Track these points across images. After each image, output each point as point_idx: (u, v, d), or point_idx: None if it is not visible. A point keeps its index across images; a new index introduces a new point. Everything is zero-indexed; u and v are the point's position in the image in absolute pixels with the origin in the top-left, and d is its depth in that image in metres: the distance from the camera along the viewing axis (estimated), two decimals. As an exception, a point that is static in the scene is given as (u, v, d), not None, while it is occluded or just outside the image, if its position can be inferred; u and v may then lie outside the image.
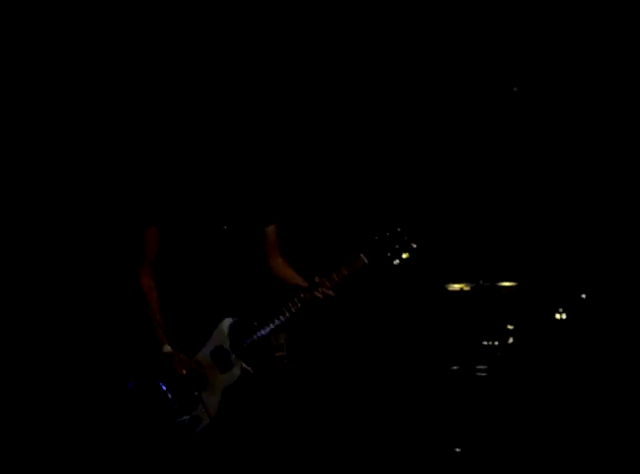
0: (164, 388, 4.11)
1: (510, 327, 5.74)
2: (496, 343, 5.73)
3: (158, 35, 5.58)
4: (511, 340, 5.73)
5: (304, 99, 5.99)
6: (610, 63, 5.97)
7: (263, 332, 4.15)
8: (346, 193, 6.07)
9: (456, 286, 5.85)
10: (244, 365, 4.15)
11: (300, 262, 4.44)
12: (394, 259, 4.03)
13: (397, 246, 4.02)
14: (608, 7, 5.91)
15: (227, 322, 4.17)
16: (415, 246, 4.02)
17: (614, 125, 6.04)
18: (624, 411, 5.37)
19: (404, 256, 4.01)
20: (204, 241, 4.18)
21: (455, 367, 5.76)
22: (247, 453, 4.17)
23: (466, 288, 5.83)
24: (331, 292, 4.03)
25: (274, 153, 5.71)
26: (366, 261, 4.02)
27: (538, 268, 5.98)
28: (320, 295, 4.04)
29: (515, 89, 5.96)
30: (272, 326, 4.14)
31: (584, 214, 6.08)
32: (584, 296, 5.75)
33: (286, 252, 4.37)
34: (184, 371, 4.06)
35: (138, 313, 4.22)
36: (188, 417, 4.08)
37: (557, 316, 5.74)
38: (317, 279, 4.06)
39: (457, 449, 5.48)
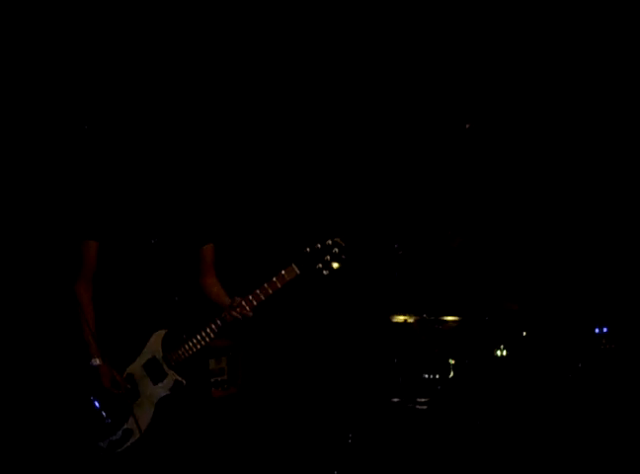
0: (96, 404, 4.10)
1: (451, 361, 5.79)
2: (437, 376, 5.76)
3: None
4: (452, 374, 5.77)
5: (239, 116, 6.03)
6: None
7: (192, 346, 4.17)
8: (282, 207, 6.11)
9: (400, 318, 5.89)
10: (176, 377, 4.15)
11: (233, 275, 4.47)
12: (324, 269, 4.08)
13: (328, 257, 4.07)
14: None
15: (160, 334, 4.18)
16: (344, 257, 4.09)
17: (579, 162, 6.20)
18: (562, 446, 5.41)
19: (334, 266, 4.08)
20: (142, 256, 4.19)
21: (396, 399, 5.78)
22: (180, 467, 4.16)
23: (410, 320, 5.88)
24: (249, 313, 4.09)
25: (213, 171, 5.73)
26: (298, 271, 4.08)
27: (481, 304, 6.04)
28: (238, 315, 4.10)
29: (467, 126, 6.04)
30: (199, 342, 4.17)
31: (526, 253, 6.18)
32: (524, 334, 5.81)
33: (221, 264, 4.42)
34: (108, 384, 4.09)
35: (71, 325, 4.21)
36: (120, 432, 4.07)
37: (498, 352, 5.79)
38: (236, 300, 4.12)
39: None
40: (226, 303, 4.18)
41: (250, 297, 4.10)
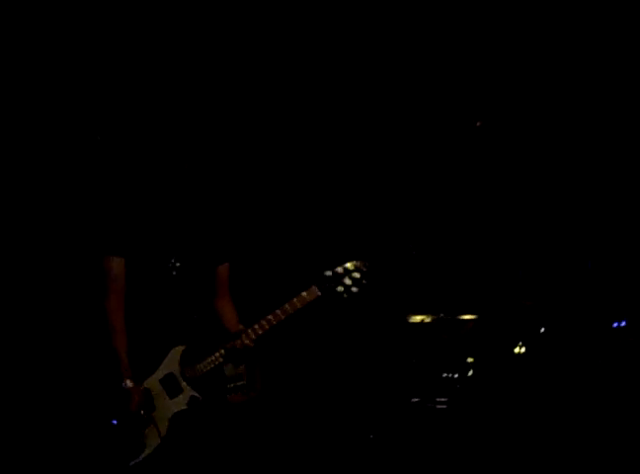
0: (114, 421, 4.14)
1: (470, 360, 5.78)
2: (456, 375, 5.76)
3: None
4: (470, 372, 5.76)
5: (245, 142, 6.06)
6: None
7: (208, 364, 4.22)
8: (300, 227, 6.13)
9: (417, 318, 5.89)
10: (193, 392, 4.18)
11: (250, 296, 4.50)
12: (345, 293, 4.13)
13: (349, 282, 4.12)
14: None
15: (179, 349, 4.21)
16: (365, 282, 4.13)
17: (574, 167, 6.18)
18: (583, 445, 5.39)
19: (354, 290, 4.12)
20: (162, 273, 4.23)
21: (415, 399, 5.78)
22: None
23: (427, 320, 5.87)
24: (250, 344, 4.15)
25: (232, 189, 5.75)
26: (319, 293, 4.12)
27: (499, 302, 6.03)
28: (239, 346, 4.15)
29: (478, 124, 6.03)
30: (213, 362, 4.22)
31: (544, 249, 6.16)
32: (543, 330, 5.80)
33: (239, 285, 4.44)
34: (135, 408, 4.11)
35: (103, 344, 4.23)
36: (134, 444, 4.10)
37: (516, 350, 5.78)
38: (240, 328, 4.19)
39: (416, 482, 5.50)
40: (231, 329, 4.25)
41: (256, 326, 4.15)
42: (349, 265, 4.13)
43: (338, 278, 4.11)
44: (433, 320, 5.87)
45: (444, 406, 5.69)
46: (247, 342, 4.14)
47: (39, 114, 5.42)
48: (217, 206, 4.43)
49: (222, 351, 4.19)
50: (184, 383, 4.18)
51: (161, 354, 4.21)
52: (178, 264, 4.22)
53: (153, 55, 5.66)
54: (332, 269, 4.13)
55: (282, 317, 4.12)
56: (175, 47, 5.71)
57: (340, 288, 4.12)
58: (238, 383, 5.69)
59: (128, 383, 4.13)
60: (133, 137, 5.35)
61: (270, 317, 4.13)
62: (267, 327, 4.13)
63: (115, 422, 4.13)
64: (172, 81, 5.72)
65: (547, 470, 5.32)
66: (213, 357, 4.20)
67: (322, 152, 6.24)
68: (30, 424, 5.29)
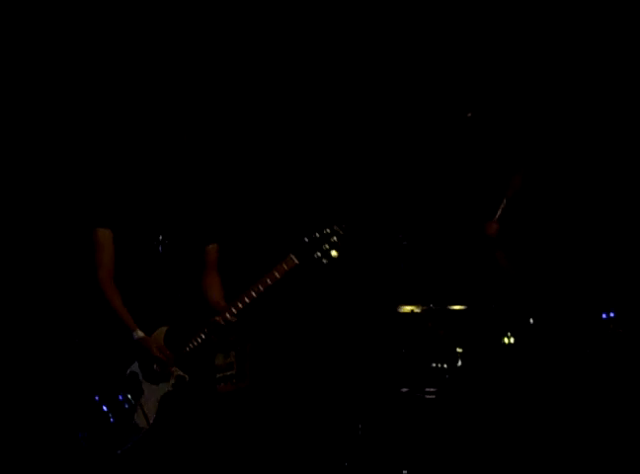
0: (101, 405, 4.12)
1: (459, 350, 5.79)
2: (445, 365, 5.77)
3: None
4: (459, 363, 5.77)
5: (237, 112, 6.04)
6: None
7: (189, 346, 4.19)
8: (283, 201, 6.13)
9: (407, 308, 5.90)
10: (179, 372, 4.17)
11: (233, 268, 4.51)
12: (324, 258, 4.11)
13: (326, 246, 4.10)
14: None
15: (162, 330, 4.20)
16: (343, 245, 4.12)
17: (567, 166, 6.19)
18: (570, 434, 5.41)
19: (333, 254, 4.10)
20: (147, 253, 4.23)
21: (405, 389, 5.79)
22: (186, 462, 4.18)
23: (417, 310, 5.88)
24: (232, 318, 4.12)
25: (216, 168, 5.75)
26: (297, 261, 4.10)
27: (487, 292, 6.04)
28: (221, 322, 4.12)
29: (468, 115, 6.02)
30: (196, 342, 4.19)
31: (533, 240, 6.16)
32: (532, 321, 5.81)
33: (221, 258, 4.45)
34: (157, 352, 4.12)
35: (98, 312, 4.23)
36: (124, 429, 4.09)
37: (505, 340, 5.79)
38: (222, 305, 4.17)
39: (405, 472, 5.49)
40: (216, 306, 4.23)
41: (237, 302, 4.13)
42: (326, 230, 4.13)
43: (315, 244, 4.11)
44: (422, 310, 5.87)
45: (433, 396, 5.70)
46: (229, 317, 4.11)
47: (29, 94, 5.42)
48: (205, 187, 4.43)
49: (205, 328, 4.17)
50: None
51: (145, 334, 4.19)
52: (166, 241, 4.21)
53: (146, 45, 5.65)
54: (309, 235, 4.13)
55: (262, 289, 4.10)
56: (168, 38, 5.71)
57: (318, 254, 4.10)
58: (227, 373, 5.73)
59: (139, 333, 4.15)
60: (126, 115, 5.34)
61: (250, 291, 4.12)
62: (247, 301, 4.11)
63: (101, 404, 4.11)
64: (159, 66, 5.71)
65: (536, 460, 5.33)
66: (198, 336, 4.16)
67: (312, 130, 6.24)
68: (20, 408, 5.29)
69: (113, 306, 4.17)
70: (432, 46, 6.22)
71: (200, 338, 4.18)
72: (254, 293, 4.11)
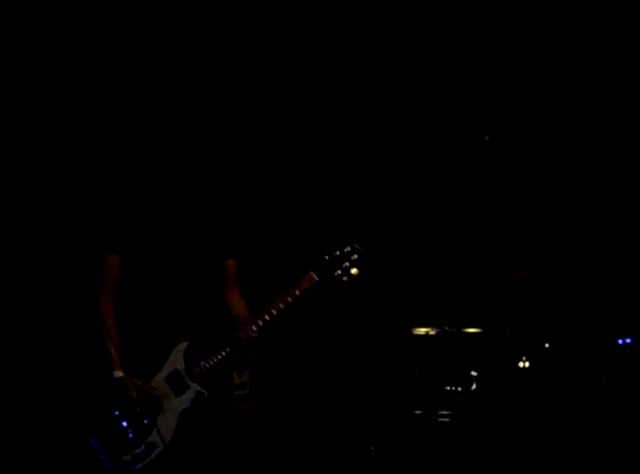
0: (120, 419, 4.12)
1: (473, 373, 5.77)
2: (459, 388, 5.75)
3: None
4: (474, 386, 5.75)
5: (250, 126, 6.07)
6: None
7: (210, 362, 4.19)
8: (303, 219, 6.15)
9: (422, 330, 5.89)
10: (198, 388, 4.17)
11: (254, 285, 4.52)
12: (344, 276, 4.10)
13: (346, 264, 4.09)
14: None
15: (182, 346, 4.20)
16: (363, 263, 4.10)
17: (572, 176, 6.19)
18: (586, 461, 5.38)
19: (353, 272, 4.09)
20: (165, 269, 4.23)
21: (418, 412, 5.77)
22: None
23: (432, 333, 5.87)
24: (254, 333, 4.11)
25: (233, 184, 5.77)
26: (317, 278, 4.09)
27: (503, 315, 6.02)
28: (242, 336, 4.13)
29: (486, 138, 6.04)
30: (218, 356, 4.18)
31: (549, 264, 6.16)
32: (547, 345, 5.79)
33: (241, 274, 4.46)
34: (134, 395, 4.09)
35: (94, 339, 4.23)
36: (143, 445, 4.09)
37: (520, 364, 5.77)
38: (243, 320, 4.17)
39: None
40: (240, 320, 4.23)
41: (257, 319, 4.13)
42: (346, 248, 4.12)
43: (336, 262, 4.10)
44: (437, 332, 5.86)
45: (447, 419, 5.68)
46: (250, 333, 4.12)
47: (36, 111, 5.44)
48: (222, 201, 4.44)
49: (227, 343, 4.16)
50: (189, 380, 4.17)
51: (165, 351, 4.20)
52: (181, 259, 4.22)
53: (153, 52, 5.68)
54: (329, 253, 4.12)
55: (282, 306, 4.10)
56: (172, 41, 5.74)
57: (338, 272, 4.09)
58: (241, 392, 5.72)
59: (118, 373, 4.13)
60: (134, 134, 5.36)
61: (270, 307, 4.11)
62: (268, 318, 4.11)
63: (120, 419, 4.12)
64: (169, 77, 5.74)
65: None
66: (219, 351, 4.17)
67: (331, 157, 6.27)
68: (27, 427, 5.30)
69: (105, 336, 4.17)
70: (450, 70, 6.24)
71: (221, 353, 4.17)
72: (274, 311, 4.11)
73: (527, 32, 6.10)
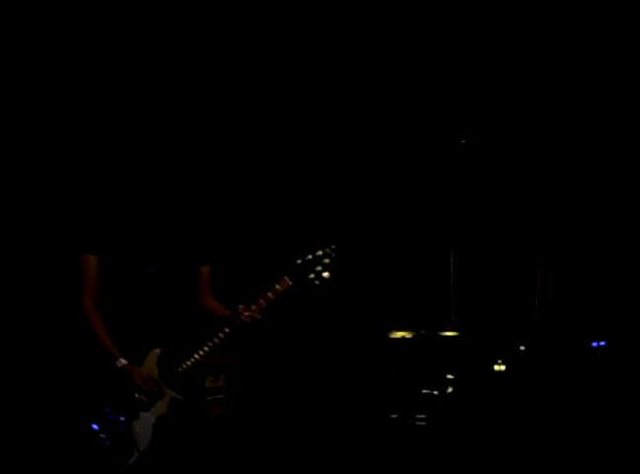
0: (95, 426, 4.10)
1: (449, 376, 5.79)
2: (435, 392, 5.76)
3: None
4: (450, 389, 5.77)
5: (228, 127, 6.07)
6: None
7: (189, 361, 4.21)
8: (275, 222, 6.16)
9: (398, 334, 5.90)
10: (174, 394, 4.17)
11: (226, 290, 4.55)
12: (316, 279, 4.21)
13: (319, 268, 4.20)
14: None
15: (155, 353, 4.20)
16: (335, 267, 4.22)
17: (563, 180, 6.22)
18: (560, 461, 5.41)
19: (325, 275, 4.20)
20: (138, 276, 4.24)
21: (395, 416, 5.78)
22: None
23: (408, 336, 5.88)
24: (258, 315, 4.19)
25: (208, 188, 5.78)
26: (290, 282, 4.18)
27: (479, 318, 6.05)
28: (247, 319, 4.18)
29: (462, 142, 6.06)
30: (199, 354, 4.21)
31: (524, 266, 6.19)
32: (522, 348, 5.82)
33: (215, 279, 4.50)
34: (139, 381, 4.11)
35: (80, 337, 4.22)
36: (120, 451, 4.08)
37: (496, 367, 5.79)
38: (241, 307, 4.20)
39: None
40: (227, 314, 4.25)
41: (252, 305, 4.19)
42: (318, 252, 4.22)
43: (308, 266, 4.20)
44: (413, 336, 5.87)
45: (424, 422, 5.69)
46: (256, 314, 4.17)
47: (22, 110, 5.43)
48: (196, 208, 4.47)
49: (226, 329, 4.21)
50: (164, 386, 4.16)
51: (138, 358, 4.20)
52: (155, 265, 4.23)
53: (141, 54, 5.69)
54: (302, 257, 4.21)
55: (257, 311, 4.18)
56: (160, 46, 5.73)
57: (311, 275, 4.19)
58: (217, 396, 5.71)
59: (122, 361, 4.14)
60: (115, 137, 5.36)
61: (258, 300, 4.19)
62: (267, 301, 4.21)
63: (94, 425, 4.10)
64: (152, 79, 5.74)
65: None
66: (210, 344, 4.21)
67: (305, 149, 6.28)
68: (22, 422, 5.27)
69: (95, 332, 4.17)
70: (427, 74, 6.26)
71: (213, 344, 4.20)
72: (259, 307, 4.19)
73: (516, 32, 6.13)
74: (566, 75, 6.15)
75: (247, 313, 4.17)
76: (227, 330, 4.21)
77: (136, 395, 4.13)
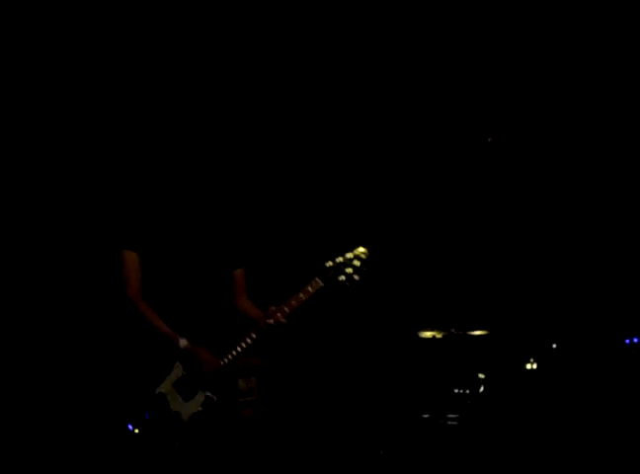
0: (130, 426, 4.13)
1: (481, 376, 5.76)
2: (467, 391, 5.74)
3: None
4: (482, 388, 5.74)
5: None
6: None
7: (225, 360, 4.22)
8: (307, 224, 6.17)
9: (428, 334, 5.88)
10: (207, 393, 4.19)
11: (259, 291, 4.56)
12: (347, 281, 4.21)
13: (350, 270, 4.20)
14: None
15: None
16: (366, 269, 4.21)
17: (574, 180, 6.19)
18: (593, 462, 5.36)
19: (356, 278, 4.21)
20: (174, 276, 4.25)
21: (426, 416, 5.76)
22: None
23: (438, 336, 5.86)
24: (283, 320, 4.18)
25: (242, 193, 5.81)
26: (322, 284, 4.19)
27: (510, 317, 6.02)
28: (273, 323, 4.18)
29: (489, 140, 6.03)
30: (232, 354, 4.22)
31: (555, 265, 6.15)
32: (554, 346, 5.78)
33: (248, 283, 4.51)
34: (207, 357, 4.15)
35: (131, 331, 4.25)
36: (154, 450, 4.11)
37: (528, 366, 5.76)
38: (271, 309, 4.22)
39: (427, 498, 5.47)
40: (257, 316, 4.27)
41: (283, 306, 4.20)
42: (349, 254, 4.23)
43: (339, 268, 4.20)
44: (444, 336, 5.85)
45: (455, 422, 5.67)
46: (281, 319, 4.17)
47: (52, 109, 5.48)
48: (230, 211, 4.47)
49: (253, 334, 4.22)
50: (197, 384, 4.18)
51: (172, 356, 4.20)
52: (191, 265, 4.25)
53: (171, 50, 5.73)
54: (332, 259, 4.22)
55: (288, 311, 4.18)
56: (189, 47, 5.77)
57: (342, 277, 4.20)
58: (248, 398, 5.72)
59: (184, 342, 4.16)
60: (155, 136, 5.39)
61: (288, 302, 4.20)
62: (289, 309, 4.20)
63: (129, 426, 4.13)
64: (190, 81, 5.77)
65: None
66: (238, 348, 4.22)
67: (335, 164, 6.28)
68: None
69: (150, 320, 4.19)
70: (452, 72, 6.24)
71: (242, 347, 4.21)
72: (287, 310, 4.19)
73: (530, 32, 6.10)
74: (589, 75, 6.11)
75: (273, 318, 4.17)
76: (254, 335, 4.22)
77: (204, 368, 4.16)
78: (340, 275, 4.19)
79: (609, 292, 6.07)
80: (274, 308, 4.21)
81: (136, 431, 4.12)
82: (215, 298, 4.33)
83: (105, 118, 5.60)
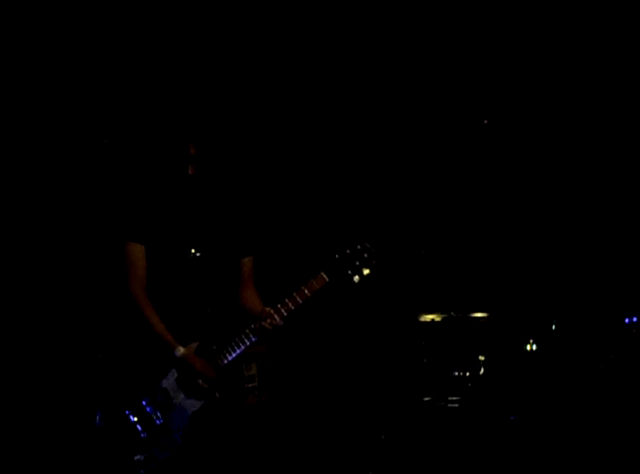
0: (132, 418, 4.11)
1: (481, 358, 5.77)
2: (467, 373, 5.75)
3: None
4: (482, 371, 5.75)
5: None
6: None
7: (225, 359, 4.15)
8: (309, 213, 6.15)
9: (428, 317, 5.89)
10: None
11: (265, 284, 4.47)
12: (355, 275, 4.04)
13: (357, 263, 4.04)
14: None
15: (192, 347, 4.15)
16: (375, 262, 4.03)
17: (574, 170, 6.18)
18: (593, 443, 5.38)
19: (365, 272, 4.03)
20: (179, 268, 4.18)
21: (427, 398, 5.77)
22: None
23: (438, 319, 5.86)
24: (279, 322, 4.06)
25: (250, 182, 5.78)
26: (327, 279, 4.04)
27: (509, 299, 6.02)
28: (268, 326, 4.07)
29: (485, 122, 6.02)
30: (231, 353, 4.14)
31: (554, 246, 6.15)
32: (554, 327, 5.78)
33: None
34: (201, 368, 4.06)
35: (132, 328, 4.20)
36: (156, 444, 4.08)
37: (527, 347, 5.77)
38: (265, 311, 4.09)
39: (429, 481, 5.49)
40: (257, 313, 4.15)
41: (279, 306, 4.07)
42: (357, 246, 4.04)
43: (346, 261, 4.04)
44: (443, 318, 5.86)
45: (456, 405, 5.68)
46: (276, 321, 4.04)
47: (54, 107, 5.47)
48: (238, 199, 4.38)
49: (251, 336, 4.10)
50: (200, 380, 4.15)
51: (169, 362, 4.16)
52: (198, 254, 4.17)
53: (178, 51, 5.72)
54: (339, 252, 4.04)
55: (293, 307, 4.05)
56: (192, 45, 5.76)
57: (349, 271, 4.03)
58: (249, 385, 5.72)
59: (181, 350, 4.09)
60: (157, 130, 5.38)
61: (280, 309, 4.07)
62: (292, 306, 4.06)
63: (132, 417, 4.09)
64: (193, 75, 5.76)
65: (558, 469, 5.30)
66: (237, 347, 4.11)
67: (333, 149, 6.26)
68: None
69: (151, 323, 4.11)
70: (447, 55, 6.21)
71: (245, 343, 4.11)
72: (284, 312, 4.06)
73: (525, 23, 6.07)
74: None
75: (268, 320, 4.04)
76: (251, 338, 4.10)
77: (199, 381, 4.09)
78: (347, 268, 4.03)
79: (609, 272, 6.07)
80: (268, 310, 4.07)
81: (142, 428, 4.09)
82: (222, 290, 4.24)
83: (111, 110, 5.58)
